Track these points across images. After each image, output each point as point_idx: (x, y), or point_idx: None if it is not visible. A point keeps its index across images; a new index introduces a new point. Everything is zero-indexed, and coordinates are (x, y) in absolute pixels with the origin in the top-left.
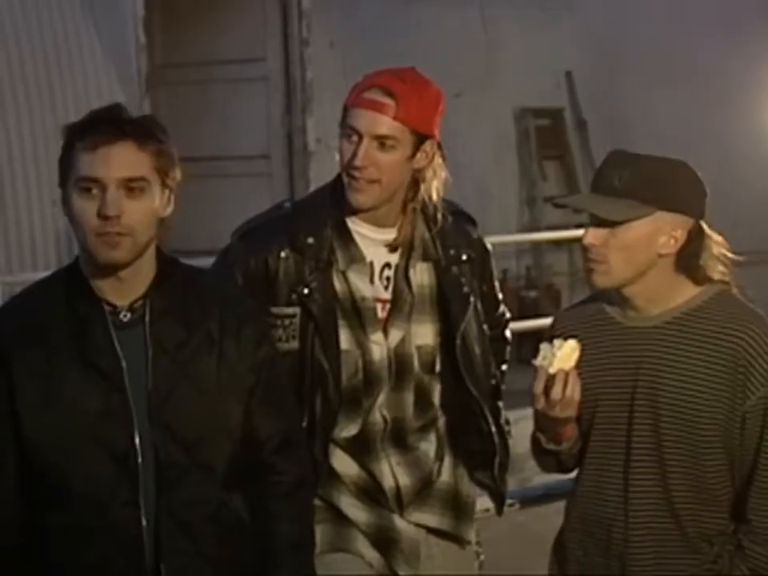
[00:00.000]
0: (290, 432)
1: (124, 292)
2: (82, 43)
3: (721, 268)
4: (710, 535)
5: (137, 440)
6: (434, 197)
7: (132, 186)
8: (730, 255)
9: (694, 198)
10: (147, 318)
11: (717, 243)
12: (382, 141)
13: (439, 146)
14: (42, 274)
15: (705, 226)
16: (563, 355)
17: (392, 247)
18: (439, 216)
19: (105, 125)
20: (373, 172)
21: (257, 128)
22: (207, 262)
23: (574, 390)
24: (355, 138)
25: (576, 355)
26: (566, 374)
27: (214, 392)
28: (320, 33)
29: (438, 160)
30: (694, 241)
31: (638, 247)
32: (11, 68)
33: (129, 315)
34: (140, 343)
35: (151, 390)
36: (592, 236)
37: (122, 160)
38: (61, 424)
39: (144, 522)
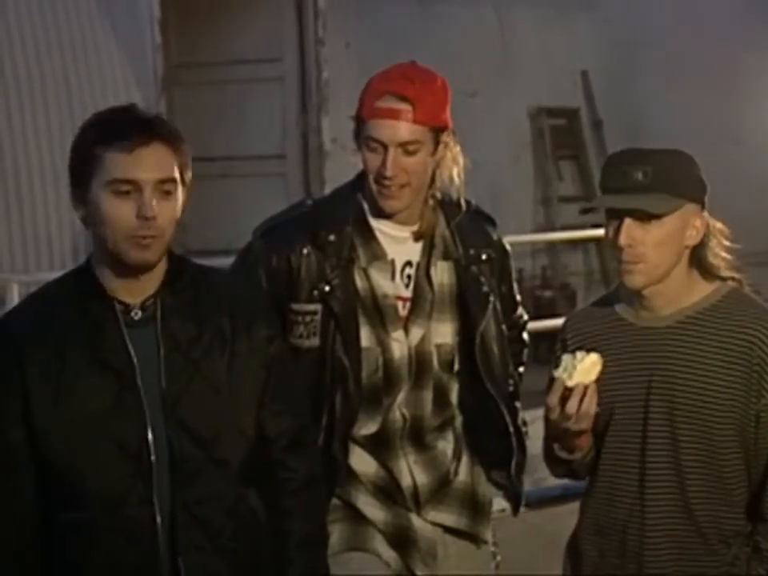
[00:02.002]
0: (300, 429)
1: (136, 291)
2: (98, 43)
3: (724, 255)
4: (727, 536)
5: (150, 437)
6: (456, 181)
7: (165, 188)
8: (727, 243)
9: (705, 187)
10: (159, 316)
11: (719, 231)
12: (406, 147)
13: (453, 133)
14: (59, 274)
15: (707, 214)
16: (584, 368)
17: (416, 236)
18: (462, 202)
19: (136, 125)
20: (403, 177)
21: (272, 128)
22: (222, 261)
23: (591, 405)
24: (380, 148)
25: (597, 369)
26: (585, 387)
27: (227, 389)
28: (336, 33)
29: (456, 147)
30: (706, 230)
31: (672, 241)
32: (29, 68)
33: (140, 313)
34: (152, 341)
35: (164, 387)
36: (628, 235)
37: (156, 161)
38: (74, 423)
39: (159, 520)
